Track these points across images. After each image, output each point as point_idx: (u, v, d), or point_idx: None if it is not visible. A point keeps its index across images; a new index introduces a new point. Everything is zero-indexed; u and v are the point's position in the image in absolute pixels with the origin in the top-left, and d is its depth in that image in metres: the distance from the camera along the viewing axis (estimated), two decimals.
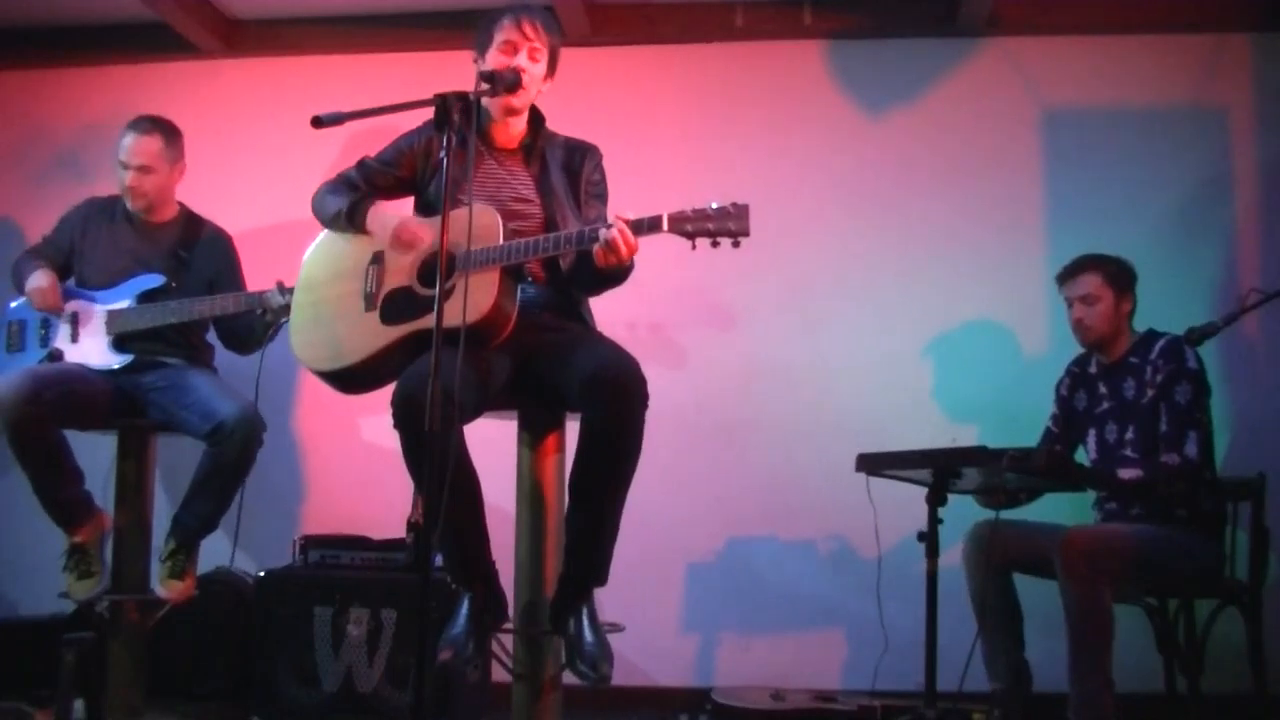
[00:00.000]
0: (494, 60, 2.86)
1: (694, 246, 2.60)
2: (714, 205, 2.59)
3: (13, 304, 3.60)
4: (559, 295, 2.91)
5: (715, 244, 2.59)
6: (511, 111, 2.92)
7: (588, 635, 2.69)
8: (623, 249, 2.61)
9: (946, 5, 4.15)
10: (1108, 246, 3.58)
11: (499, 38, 2.87)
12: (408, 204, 3.04)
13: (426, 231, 2.83)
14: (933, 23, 4.21)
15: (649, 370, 2.65)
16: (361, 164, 3.03)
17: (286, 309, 3.39)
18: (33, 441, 3.21)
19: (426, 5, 4.30)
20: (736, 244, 2.59)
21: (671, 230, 2.60)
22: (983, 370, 4.09)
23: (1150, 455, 3.28)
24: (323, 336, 2.92)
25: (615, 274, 2.76)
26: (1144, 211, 4.09)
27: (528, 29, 2.86)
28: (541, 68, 2.91)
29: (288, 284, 3.37)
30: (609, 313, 3.07)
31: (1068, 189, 4.15)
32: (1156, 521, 3.27)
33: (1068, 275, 3.51)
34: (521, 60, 2.85)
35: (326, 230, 3.04)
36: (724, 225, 2.58)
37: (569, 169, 2.97)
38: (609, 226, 2.61)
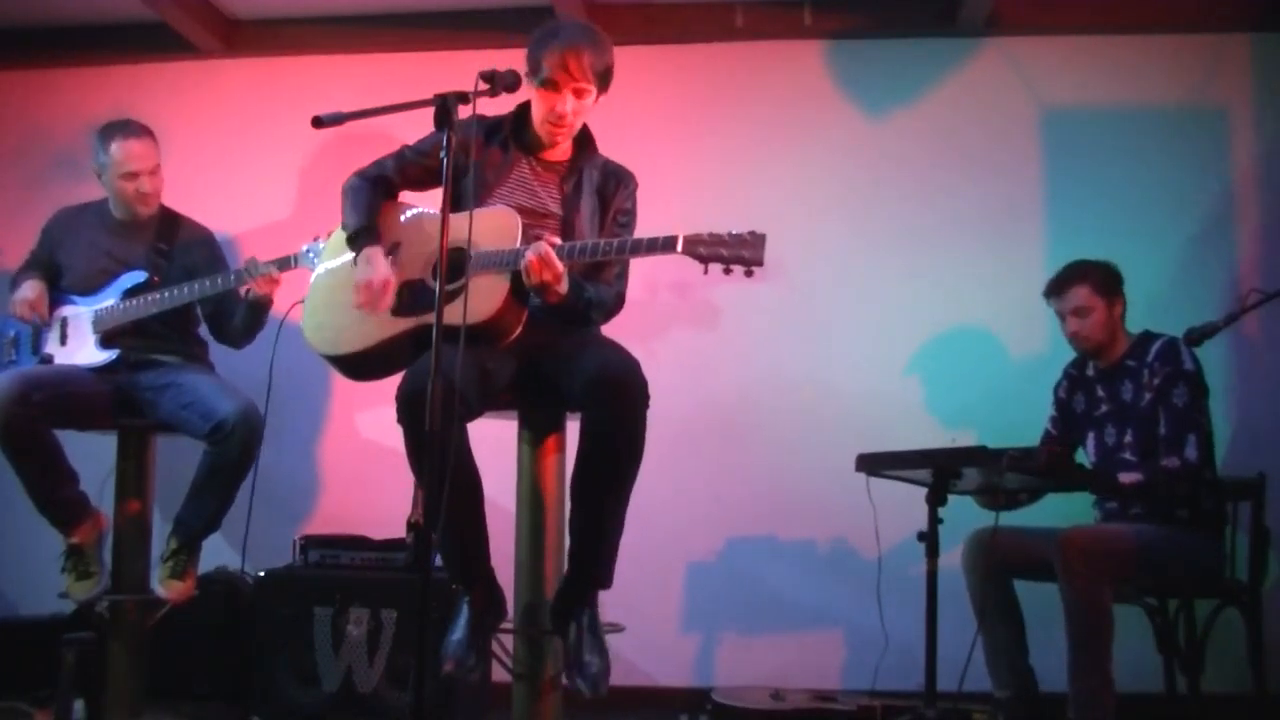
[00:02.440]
0: (539, 93, 2.82)
1: (706, 271, 2.57)
2: (731, 231, 2.56)
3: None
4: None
5: (728, 271, 2.56)
6: (549, 145, 2.91)
7: (588, 653, 2.67)
8: (534, 276, 2.60)
9: (946, 5, 4.15)
10: (1107, 247, 3.58)
11: (546, 71, 2.80)
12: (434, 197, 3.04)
13: (388, 300, 2.81)
14: (933, 23, 4.21)
15: (649, 371, 2.66)
16: (400, 153, 3.02)
17: (269, 280, 3.39)
18: (24, 442, 3.20)
19: (427, 5, 4.30)
20: (749, 273, 2.56)
21: (685, 252, 2.58)
22: (982, 371, 4.08)
23: (1150, 458, 3.28)
24: (333, 320, 2.93)
25: (562, 308, 2.73)
26: (1143, 211, 4.09)
27: (574, 68, 2.79)
28: (588, 102, 2.86)
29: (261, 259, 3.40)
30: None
31: (1067, 189, 4.14)
32: (1156, 521, 3.27)
33: (1055, 290, 3.48)
34: (564, 105, 2.82)
35: None
36: (738, 253, 2.55)
37: (602, 194, 2.95)
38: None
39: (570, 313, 2.81)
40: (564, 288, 2.67)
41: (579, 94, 2.84)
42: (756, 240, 2.56)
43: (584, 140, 2.98)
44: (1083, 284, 3.42)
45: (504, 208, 2.81)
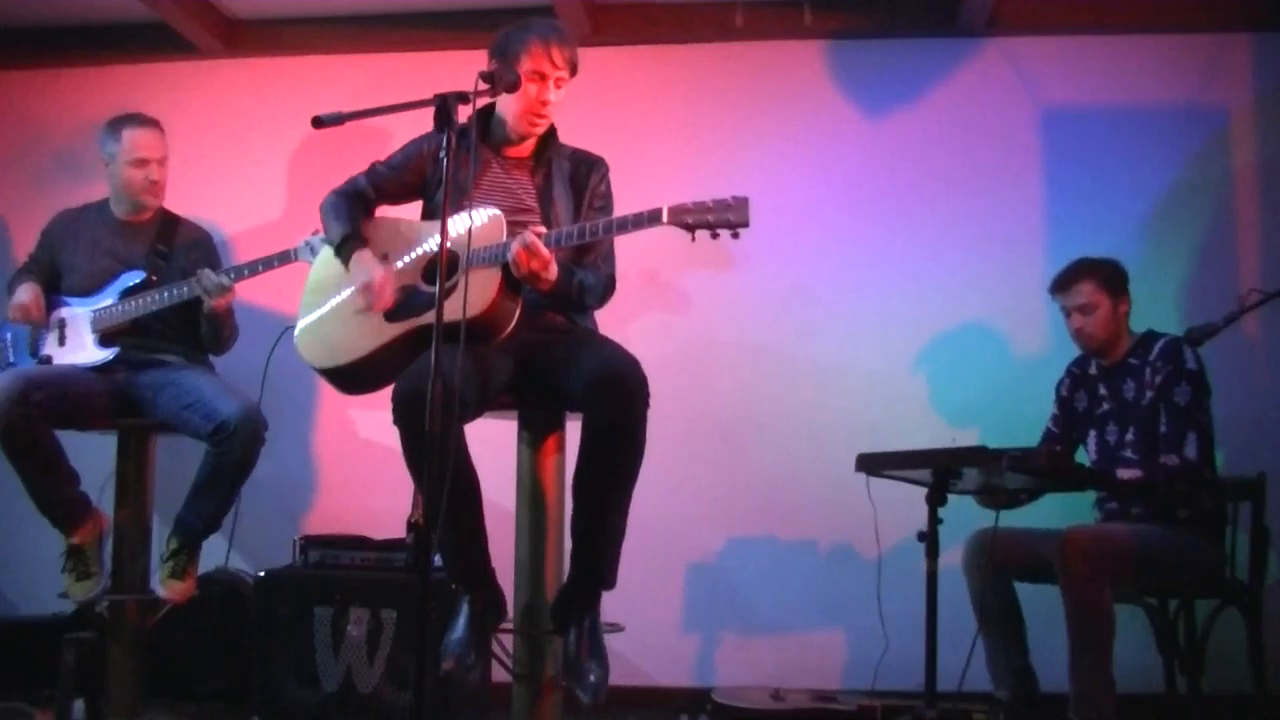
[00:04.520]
0: (523, 86, 2.83)
1: (694, 239, 2.60)
2: (714, 197, 2.59)
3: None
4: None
5: (715, 235, 2.59)
6: (529, 136, 2.94)
7: (588, 660, 2.67)
8: (522, 267, 2.62)
9: (946, 5, 4.15)
10: (1107, 246, 3.58)
11: (527, 63, 2.83)
12: (414, 209, 3.05)
13: (390, 295, 2.82)
14: (933, 23, 4.21)
15: (649, 370, 2.66)
16: (372, 169, 3.05)
17: (220, 291, 3.37)
18: (24, 443, 3.20)
19: (426, 5, 4.30)
20: (736, 235, 2.59)
21: (671, 222, 2.60)
22: (983, 370, 4.08)
23: (1150, 456, 3.28)
24: (327, 333, 2.93)
25: (555, 295, 2.76)
26: (1143, 211, 4.09)
27: (557, 58, 2.84)
28: (564, 92, 2.91)
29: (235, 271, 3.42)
30: (610, 311, 3.07)
31: (1067, 189, 4.14)
32: (1157, 522, 3.27)
33: (1062, 285, 3.48)
34: (549, 94, 2.86)
35: None
36: (723, 217, 2.58)
37: (575, 182, 2.97)
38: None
39: (564, 299, 2.83)
40: (553, 274, 2.69)
41: (559, 83, 2.88)
42: (740, 203, 2.58)
43: (547, 132, 3.00)
44: (1089, 280, 3.42)
45: (488, 209, 2.81)
